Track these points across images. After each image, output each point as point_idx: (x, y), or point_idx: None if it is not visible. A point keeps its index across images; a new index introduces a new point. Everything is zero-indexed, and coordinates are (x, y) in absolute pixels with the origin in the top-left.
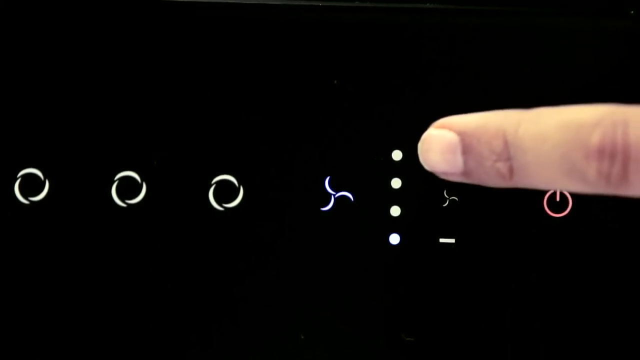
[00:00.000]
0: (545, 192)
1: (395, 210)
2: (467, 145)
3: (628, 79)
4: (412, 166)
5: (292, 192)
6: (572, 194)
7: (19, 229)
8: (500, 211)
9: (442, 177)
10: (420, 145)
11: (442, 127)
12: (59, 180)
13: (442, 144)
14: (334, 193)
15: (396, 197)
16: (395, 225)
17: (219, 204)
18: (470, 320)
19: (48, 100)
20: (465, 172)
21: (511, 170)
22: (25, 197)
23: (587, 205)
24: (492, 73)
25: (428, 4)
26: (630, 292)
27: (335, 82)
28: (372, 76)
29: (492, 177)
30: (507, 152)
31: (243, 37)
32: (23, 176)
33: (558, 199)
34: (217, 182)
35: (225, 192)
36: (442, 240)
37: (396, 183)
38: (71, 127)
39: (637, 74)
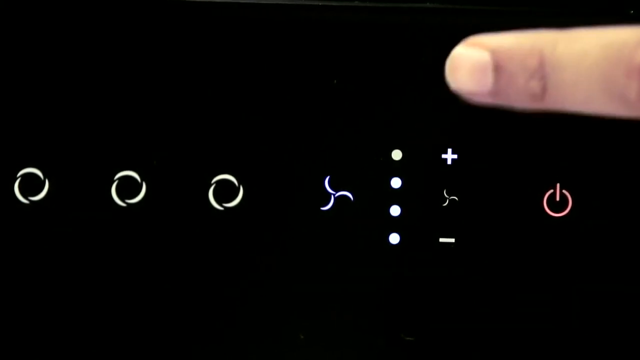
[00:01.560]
0: (545, 192)
1: (395, 210)
2: (499, 63)
3: None
4: (412, 166)
5: (292, 192)
6: (572, 195)
7: (19, 229)
8: (500, 211)
9: (468, 97)
10: (448, 63)
11: (473, 45)
12: (59, 180)
13: (472, 62)
14: (334, 193)
15: (396, 196)
16: (395, 225)
17: (219, 203)
18: (470, 320)
19: (48, 100)
20: (493, 92)
21: (544, 90)
22: (25, 197)
23: (587, 205)
24: None
25: (428, 4)
26: (630, 292)
27: (335, 82)
28: (372, 76)
29: (522, 96)
30: (542, 70)
31: (243, 37)
32: (23, 176)
33: (558, 199)
34: (217, 182)
35: (225, 191)
36: (442, 240)
37: (396, 183)
38: (71, 127)
39: None
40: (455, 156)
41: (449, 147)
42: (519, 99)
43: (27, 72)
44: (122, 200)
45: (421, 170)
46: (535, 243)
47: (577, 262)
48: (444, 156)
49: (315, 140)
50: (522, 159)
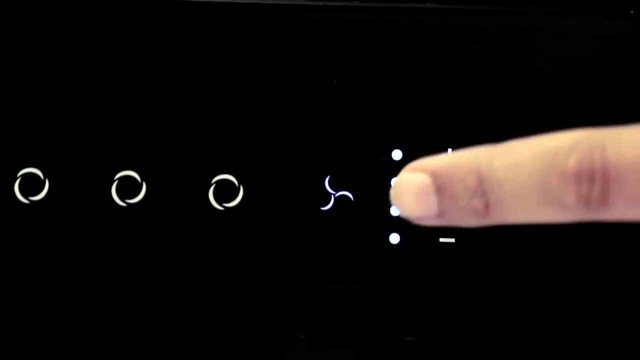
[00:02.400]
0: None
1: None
2: (440, 185)
3: (628, 79)
4: None
5: (292, 192)
6: None
7: (19, 229)
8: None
9: (418, 222)
10: (392, 191)
11: (414, 170)
12: (59, 180)
13: (414, 187)
14: (334, 193)
15: None
16: (395, 224)
17: (219, 203)
18: (470, 320)
19: (48, 100)
20: (440, 214)
21: (487, 206)
22: (25, 197)
23: None
24: (492, 73)
25: (428, 4)
26: (630, 292)
27: (335, 82)
28: (372, 76)
29: (467, 215)
30: (481, 187)
31: (243, 37)
32: (23, 176)
33: None
34: (217, 182)
35: (225, 191)
36: (442, 239)
37: None
38: (71, 127)
39: (637, 74)
40: None
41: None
42: (465, 217)
43: (27, 72)
44: (122, 200)
45: None
46: (535, 243)
47: (577, 262)
48: None
49: (315, 140)
50: None
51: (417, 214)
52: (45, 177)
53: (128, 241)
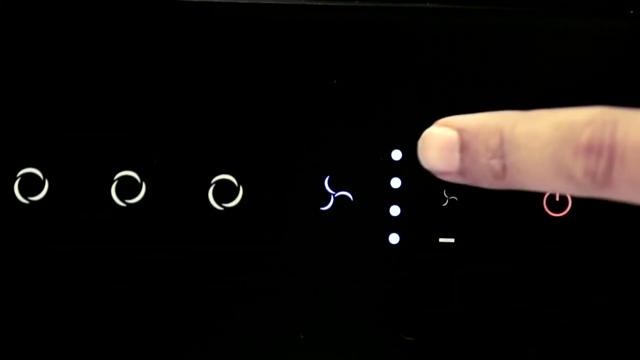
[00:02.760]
0: (544, 192)
1: (395, 210)
2: (465, 142)
3: (628, 79)
4: (412, 166)
5: (292, 192)
6: (572, 196)
7: (19, 229)
8: (500, 211)
9: (440, 177)
10: (420, 142)
11: (443, 125)
12: (59, 180)
13: (441, 141)
14: (333, 193)
15: (396, 196)
16: (395, 225)
17: (219, 203)
18: (470, 320)
19: (48, 100)
20: (461, 171)
21: (504, 169)
22: (25, 197)
23: (587, 205)
24: (492, 73)
25: (428, 4)
26: (629, 292)
27: (335, 82)
28: (372, 76)
29: (486, 175)
30: (502, 149)
31: (243, 37)
32: (23, 176)
33: (558, 198)
34: (217, 182)
35: (225, 191)
36: (441, 240)
37: (396, 183)
38: (71, 127)
39: (637, 74)
40: None
41: None
42: (484, 177)
43: (27, 72)
44: (122, 200)
45: (421, 170)
46: (535, 243)
47: (576, 262)
48: None
49: (315, 140)
50: None
51: (440, 168)
52: (45, 177)
53: (128, 241)
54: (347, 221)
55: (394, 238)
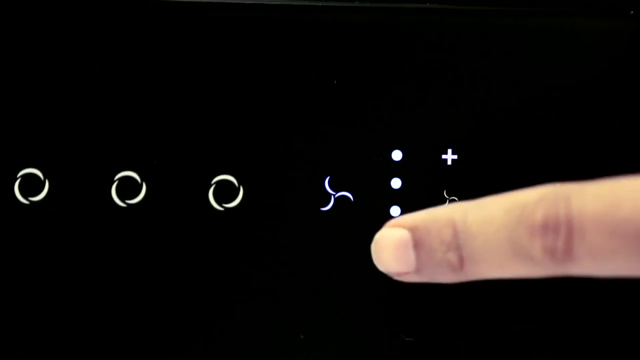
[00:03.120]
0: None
1: (395, 210)
2: (418, 239)
3: (628, 79)
4: (412, 166)
5: (292, 192)
6: None
7: (19, 229)
8: None
9: (397, 278)
10: (372, 246)
11: (393, 226)
12: (59, 180)
13: (393, 242)
14: (334, 193)
15: (396, 197)
16: None
17: (219, 204)
18: (470, 320)
19: (48, 100)
20: (417, 269)
21: (461, 260)
22: (25, 197)
23: None
24: (492, 73)
25: (428, 4)
26: (629, 292)
27: (335, 82)
28: (372, 76)
29: (443, 269)
30: (456, 241)
31: (243, 37)
32: (23, 176)
33: None
34: (217, 182)
35: (225, 192)
36: None
37: (396, 183)
38: (71, 127)
39: (637, 74)
40: (455, 156)
41: (449, 147)
42: (441, 272)
43: (27, 72)
44: (122, 200)
45: (421, 170)
46: None
47: None
48: (444, 156)
49: (315, 140)
50: (522, 159)
51: (397, 269)
52: (45, 177)
53: (128, 241)
54: (347, 221)
55: None
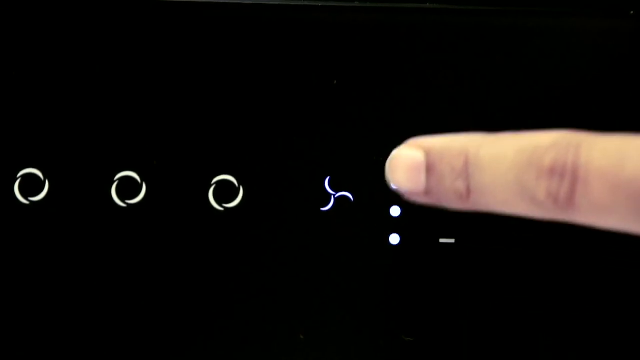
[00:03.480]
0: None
1: (395, 211)
2: (430, 163)
3: (628, 79)
4: None
5: (292, 192)
6: None
7: (19, 229)
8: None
9: (406, 197)
10: (387, 163)
11: (411, 146)
12: (59, 180)
13: (408, 162)
14: (334, 193)
15: (396, 197)
16: (395, 225)
17: (219, 204)
18: (470, 320)
19: (48, 100)
20: (426, 191)
21: (468, 190)
22: (25, 197)
23: None
24: (492, 73)
25: (428, 4)
26: (629, 292)
27: (335, 82)
28: (372, 76)
29: (450, 196)
30: (466, 171)
31: (243, 37)
32: (23, 176)
33: None
34: (217, 182)
35: (225, 192)
36: (442, 240)
37: None
38: (71, 127)
39: (637, 74)
40: None
41: None
42: (448, 198)
43: (27, 72)
44: (122, 200)
45: None
46: (535, 243)
47: (576, 261)
48: None
49: (315, 140)
50: None
51: (407, 188)
52: (45, 177)
53: (128, 241)
54: (347, 222)
55: (394, 238)
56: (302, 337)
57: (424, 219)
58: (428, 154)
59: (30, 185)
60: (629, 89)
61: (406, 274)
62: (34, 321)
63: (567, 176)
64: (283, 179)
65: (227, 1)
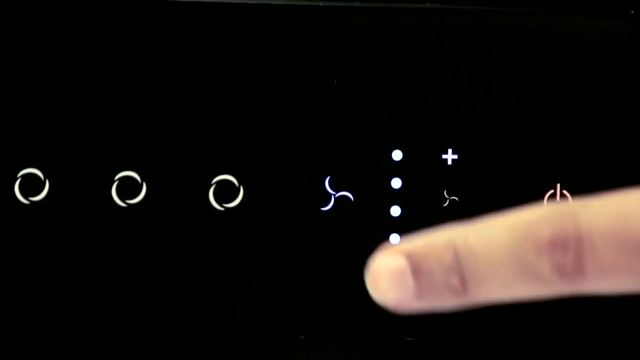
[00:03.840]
0: (545, 192)
1: (395, 210)
2: (415, 264)
3: (628, 79)
4: (412, 166)
5: (292, 192)
6: (572, 194)
7: (19, 229)
8: (500, 211)
9: (395, 307)
10: (367, 278)
11: (389, 253)
12: (59, 180)
13: (389, 270)
14: (334, 193)
15: (396, 197)
16: (395, 225)
17: (219, 204)
18: (470, 320)
19: (48, 100)
20: (417, 295)
21: (464, 282)
22: (25, 197)
23: None
24: (492, 73)
25: (428, 4)
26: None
27: (335, 82)
28: (372, 76)
29: (445, 294)
30: (457, 263)
31: (243, 37)
32: (23, 176)
33: (558, 199)
34: (217, 182)
35: (225, 192)
36: None
37: (396, 183)
38: (71, 127)
39: (637, 74)
40: (455, 156)
41: (449, 147)
42: (442, 297)
43: (27, 72)
44: (122, 200)
45: (421, 170)
46: None
47: None
48: (444, 156)
49: (316, 140)
50: (522, 159)
51: (394, 296)
52: (45, 177)
53: (128, 241)
54: (347, 221)
55: (394, 238)
56: (302, 337)
57: (424, 219)
58: (410, 257)
59: (30, 185)
60: (629, 89)
61: None
62: (34, 321)
63: (571, 245)
64: (283, 179)
65: (227, 1)
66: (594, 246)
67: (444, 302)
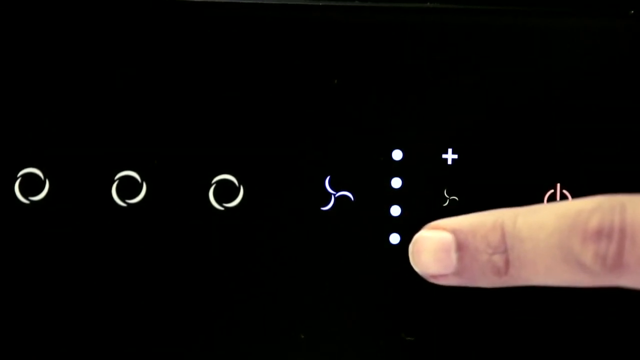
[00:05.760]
0: (545, 192)
1: (395, 210)
2: (461, 241)
3: (628, 79)
4: (412, 166)
5: (292, 192)
6: (572, 194)
7: (19, 229)
8: None
9: (433, 280)
10: (411, 246)
11: (434, 228)
12: (59, 180)
13: (435, 244)
14: (334, 193)
15: (396, 196)
16: (395, 225)
17: (219, 203)
18: (470, 320)
19: (48, 100)
20: (458, 271)
21: (507, 263)
22: (25, 197)
23: None
24: (492, 73)
25: (428, 4)
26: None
27: (335, 82)
28: (372, 76)
29: (486, 272)
30: (504, 244)
31: (243, 37)
32: (23, 176)
33: (558, 198)
34: (217, 182)
35: (225, 192)
36: None
37: (396, 183)
38: (71, 127)
39: (637, 74)
40: (455, 156)
41: (449, 147)
42: (483, 275)
43: (27, 72)
44: (122, 200)
45: (421, 170)
46: None
47: None
48: (444, 156)
49: (316, 140)
50: (522, 159)
51: (435, 270)
52: (45, 177)
53: (128, 241)
54: (347, 221)
55: (394, 238)
56: (302, 336)
57: (424, 218)
58: (456, 233)
59: (30, 185)
60: (629, 89)
61: (406, 274)
62: (34, 321)
63: (615, 236)
64: (283, 179)
65: (227, 1)
66: (635, 239)
67: (484, 280)
